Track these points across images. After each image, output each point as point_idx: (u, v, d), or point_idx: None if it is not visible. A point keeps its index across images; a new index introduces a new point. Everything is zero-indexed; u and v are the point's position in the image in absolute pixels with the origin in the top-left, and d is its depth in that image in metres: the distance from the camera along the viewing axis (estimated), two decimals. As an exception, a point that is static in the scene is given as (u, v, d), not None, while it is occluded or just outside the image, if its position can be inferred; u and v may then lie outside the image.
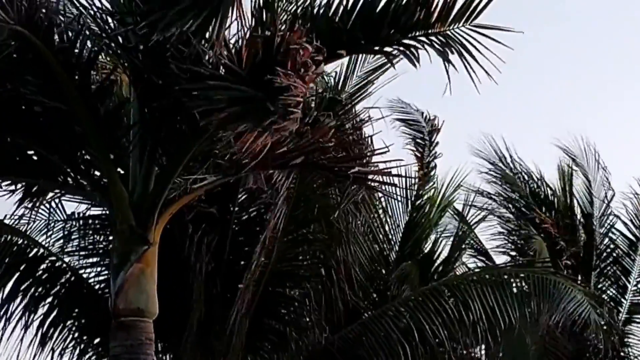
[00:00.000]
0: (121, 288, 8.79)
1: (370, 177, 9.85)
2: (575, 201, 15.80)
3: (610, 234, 15.81)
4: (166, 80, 8.65)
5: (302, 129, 9.28)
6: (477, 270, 14.32)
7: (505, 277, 12.04)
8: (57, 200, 10.95)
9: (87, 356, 11.15)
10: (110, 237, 11.05)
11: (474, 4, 9.15)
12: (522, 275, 12.29)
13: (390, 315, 11.77)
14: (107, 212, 10.41)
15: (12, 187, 9.52)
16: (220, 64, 8.21)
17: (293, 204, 11.25)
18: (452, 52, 9.28)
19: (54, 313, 10.87)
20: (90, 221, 11.33)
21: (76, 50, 8.71)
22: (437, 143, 13.96)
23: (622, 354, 15.01)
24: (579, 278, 14.78)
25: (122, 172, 9.20)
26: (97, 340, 11.17)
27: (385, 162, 9.69)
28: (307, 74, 8.11)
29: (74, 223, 11.23)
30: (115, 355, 8.87)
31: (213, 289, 11.00)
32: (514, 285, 12.01)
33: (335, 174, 9.79)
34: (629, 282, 15.66)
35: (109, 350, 9.02)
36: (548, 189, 15.78)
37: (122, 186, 8.97)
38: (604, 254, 15.67)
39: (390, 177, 9.79)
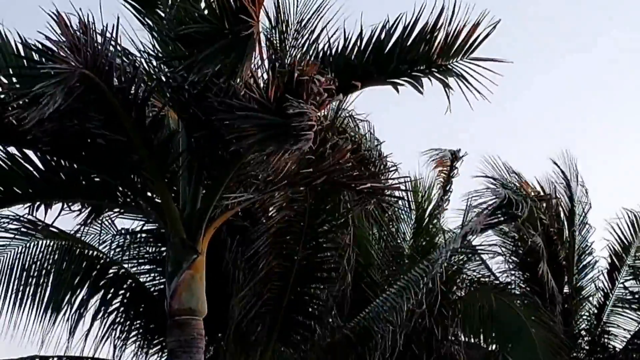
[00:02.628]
0: (175, 291, 9.99)
1: (382, 191, 11.26)
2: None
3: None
4: (207, 113, 9.81)
5: (325, 153, 10.70)
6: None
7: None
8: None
9: (146, 350, 12.41)
10: (159, 248, 12.36)
11: (471, 41, 10.47)
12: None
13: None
14: (156, 226, 11.70)
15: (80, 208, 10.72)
16: (247, 96, 9.33)
17: (309, 216, 12.35)
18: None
19: (118, 313, 12.11)
20: (138, 235, 12.48)
21: (132, 90, 9.71)
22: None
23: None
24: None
25: (175, 192, 10.33)
26: (154, 337, 12.39)
27: (396, 179, 11.22)
28: (321, 100, 9.34)
29: (126, 236, 12.36)
30: (171, 349, 10.06)
31: (250, 291, 12.23)
32: None
33: (352, 190, 11.14)
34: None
35: (165, 345, 10.31)
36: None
37: (174, 205, 10.16)
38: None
39: (400, 192, 11.24)
